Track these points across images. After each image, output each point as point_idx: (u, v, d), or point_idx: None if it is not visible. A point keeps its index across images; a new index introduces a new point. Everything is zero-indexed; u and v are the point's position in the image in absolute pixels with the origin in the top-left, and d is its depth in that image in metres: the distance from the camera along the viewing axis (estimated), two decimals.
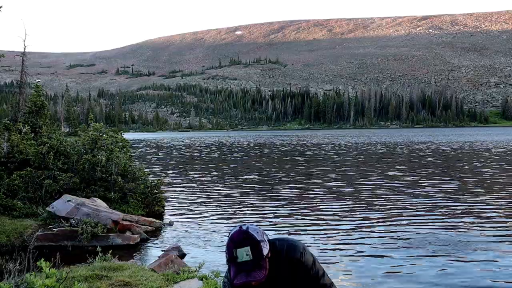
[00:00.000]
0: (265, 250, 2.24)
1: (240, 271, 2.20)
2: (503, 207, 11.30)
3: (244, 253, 2.18)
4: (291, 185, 16.14)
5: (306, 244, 2.50)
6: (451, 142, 48.75)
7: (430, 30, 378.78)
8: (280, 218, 10.33)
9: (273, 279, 2.35)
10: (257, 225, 2.33)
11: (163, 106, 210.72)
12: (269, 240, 2.35)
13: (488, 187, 14.77)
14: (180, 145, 53.34)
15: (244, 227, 2.26)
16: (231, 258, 2.21)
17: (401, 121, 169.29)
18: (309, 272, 2.41)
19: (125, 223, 9.01)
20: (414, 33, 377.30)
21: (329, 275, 2.53)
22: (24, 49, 17.12)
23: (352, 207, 11.60)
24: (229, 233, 2.30)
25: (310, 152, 35.68)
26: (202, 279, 5.35)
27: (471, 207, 11.27)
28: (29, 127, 12.96)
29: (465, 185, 15.35)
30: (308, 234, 8.81)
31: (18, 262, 4.61)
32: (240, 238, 2.21)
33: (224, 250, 2.31)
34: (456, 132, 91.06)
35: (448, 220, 9.80)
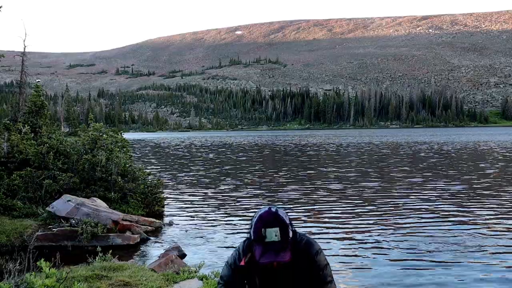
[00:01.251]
0: (291, 233, 2.31)
1: (267, 250, 2.24)
2: None
3: (273, 233, 2.22)
4: (292, 185, 16.13)
5: None
6: (454, 142, 48.32)
7: (430, 30, 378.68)
8: None
9: (289, 267, 2.39)
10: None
11: (163, 106, 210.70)
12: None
13: (498, 189, 14.33)
14: (180, 145, 53.35)
15: (273, 209, 2.30)
16: (259, 238, 2.24)
17: (401, 121, 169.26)
18: (318, 273, 2.43)
19: (125, 223, 9.00)
20: (414, 33, 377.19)
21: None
22: (24, 49, 17.11)
23: (356, 210, 11.36)
24: (256, 213, 2.34)
25: (312, 152, 35.66)
26: (202, 279, 5.35)
27: (481, 211, 10.83)
28: (29, 127, 12.95)
29: (472, 187, 14.97)
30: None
31: (18, 262, 4.61)
32: (270, 218, 2.25)
33: (247, 232, 2.34)
34: (457, 132, 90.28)
35: (457, 224, 9.43)
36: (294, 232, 2.40)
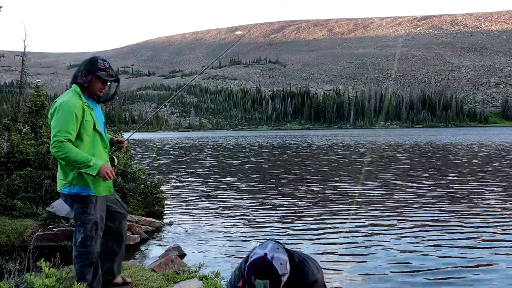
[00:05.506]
0: (284, 279, 2.20)
1: None
2: None
3: (262, 285, 2.14)
4: (295, 187, 16.08)
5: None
6: (470, 143, 46.04)
7: (430, 30, 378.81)
8: (282, 221, 10.29)
9: None
10: (276, 242, 2.24)
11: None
12: (288, 252, 2.31)
13: None
14: (181, 145, 53.34)
15: (269, 256, 2.16)
16: (248, 283, 2.17)
17: (401, 121, 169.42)
18: None
19: None
20: (414, 33, 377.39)
21: None
22: (24, 49, 17.09)
23: (367, 221, 10.09)
24: (252, 254, 2.23)
25: (322, 156, 35.61)
26: (202, 279, 5.34)
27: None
28: (29, 127, 12.95)
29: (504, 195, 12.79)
30: (310, 244, 8.76)
31: (18, 262, 4.61)
32: (263, 268, 2.14)
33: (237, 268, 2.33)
34: (465, 132, 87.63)
35: (483, 243, 7.57)
36: (291, 255, 2.33)
